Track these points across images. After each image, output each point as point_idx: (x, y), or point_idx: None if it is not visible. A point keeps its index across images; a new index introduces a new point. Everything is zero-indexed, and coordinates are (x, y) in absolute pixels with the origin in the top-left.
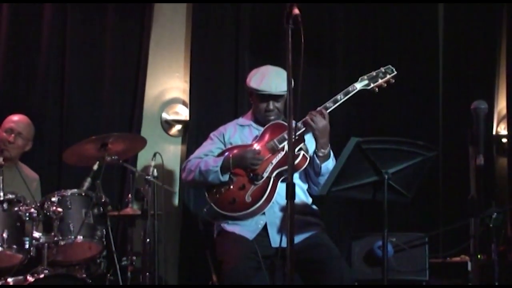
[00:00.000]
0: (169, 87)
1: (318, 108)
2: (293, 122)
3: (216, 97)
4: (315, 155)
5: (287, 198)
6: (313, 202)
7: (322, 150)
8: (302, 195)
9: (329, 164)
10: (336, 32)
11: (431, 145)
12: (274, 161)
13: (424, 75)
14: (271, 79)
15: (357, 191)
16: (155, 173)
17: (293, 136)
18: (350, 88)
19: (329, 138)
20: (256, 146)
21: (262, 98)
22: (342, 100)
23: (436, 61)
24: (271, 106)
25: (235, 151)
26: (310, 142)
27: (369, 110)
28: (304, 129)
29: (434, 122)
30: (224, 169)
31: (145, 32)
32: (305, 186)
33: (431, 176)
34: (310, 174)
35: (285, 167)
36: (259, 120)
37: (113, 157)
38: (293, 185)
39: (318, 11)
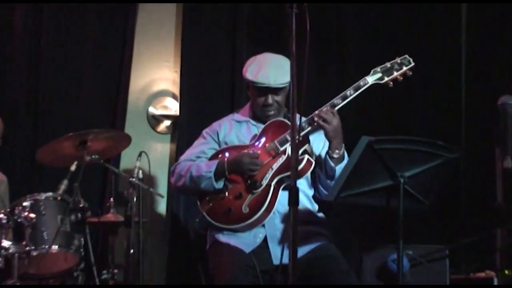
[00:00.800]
0: (157, 78)
1: (324, 106)
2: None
3: (210, 89)
4: (328, 157)
5: (289, 204)
6: (319, 210)
7: (337, 151)
8: (306, 202)
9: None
10: (345, 21)
11: (453, 146)
12: (275, 166)
13: (445, 68)
14: (269, 70)
15: (368, 197)
16: (141, 175)
17: (297, 137)
18: (361, 83)
19: (342, 136)
20: (255, 148)
21: (259, 91)
22: (352, 96)
23: (458, 54)
24: (270, 100)
25: (230, 153)
26: (315, 143)
27: (382, 107)
28: (309, 129)
29: (455, 120)
30: (218, 175)
31: (130, 16)
32: (310, 192)
33: (453, 180)
34: (321, 178)
35: (287, 173)
36: (258, 115)
37: (93, 156)
38: (297, 190)
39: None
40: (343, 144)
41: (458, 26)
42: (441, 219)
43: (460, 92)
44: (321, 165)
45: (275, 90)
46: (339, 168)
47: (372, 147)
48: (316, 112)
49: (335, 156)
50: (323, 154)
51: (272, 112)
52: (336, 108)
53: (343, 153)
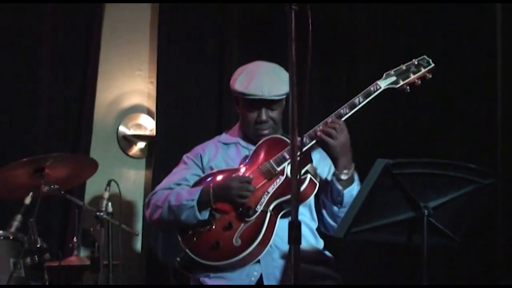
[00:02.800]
0: (128, 91)
1: (329, 117)
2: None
3: (193, 104)
4: (334, 179)
5: (290, 242)
6: (325, 247)
7: (345, 172)
8: (310, 237)
9: (354, 191)
10: (356, 20)
11: (487, 170)
12: (271, 189)
13: (476, 75)
14: (263, 79)
15: (385, 232)
16: (110, 209)
17: (301, 154)
18: (372, 88)
19: (351, 154)
20: (246, 170)
21: (251, 105)
22: (361, 104)
23: (493, 59)
24: (263, 117)
25: (217, 178)
26: (320, 165)
27: (401, 123)
28: (311, 143)
29: (490, 138)
30: (202, 203)
31: (95, 18)
32: (314, 225)
33: (488, 211)
34: (327, 204)
35: (287, 197)
36: (249, 136)
37: (52, 186)
38: (299, 223)
39: None
40: (353, 164)
41: (492, 28)
42: (474, 258)
43: (495, 103)
44: (327, 190)
45: (269, 104)
46: (347, 192)
47: (390, 172)
48: (319, 126)
49: (343, 177)
50: (330, 177)
51: (266, 131)
52: (344, 118)
53: (353, 174)
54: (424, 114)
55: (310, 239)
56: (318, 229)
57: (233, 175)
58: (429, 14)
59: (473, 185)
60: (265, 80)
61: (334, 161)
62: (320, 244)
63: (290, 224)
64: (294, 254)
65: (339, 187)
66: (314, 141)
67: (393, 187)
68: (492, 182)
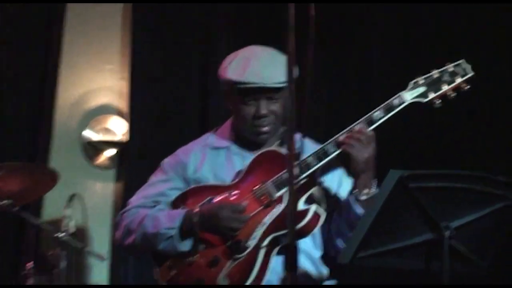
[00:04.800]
0: (95, 88)
1: (356, 123)
2: (300, 143)
3: (173, 104)
4: (352, 200)
5: (285, 269)
6: (331, 275)
7: (366, 191)
8: (310, 267)
9: None
10: (372, 15)
11: None
12: (268, 220)
13: (507, 79)
14: (261, 64)
15: (399, 257)
16: (72, 229)
17: (300, 176)
18: (395, 101)
19: (375, 170)
20: (239, 193)
21: (247, 97)
22: (380, 121)
23: None
24: (263, 110)
25: (203, 197)
26: (326, 179)
27: (418, 126)
28: (319, 165)
29: None
30: (185, 231)
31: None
32: (317, 253)
33: None
34: (340, 228)
35: (285, 231)
36: (244, 136)
37: (4, 201)
38: (295, 249)
39: None
40: (375, 181)
41: None
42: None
43: None
44: (340, 211)
45: (270, 94)
46: None
47: (405, 186)
48: (342, 134)
49: (363, 198)
50: (341, 194)
51: (266, 128)
52: (371, 128)
53: (374, 194)
54: (445, 117)
55: (310, 269)
56: (325, 256)
57: (222, 196)
58: (453, 12)
59: (503, 201)
60: (264, 64)
61: (355, 178)
62: (323, 273)
63: (285, 248)
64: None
65: (358, 210)
66: (328, 158)
67: (409, 203)
68: None
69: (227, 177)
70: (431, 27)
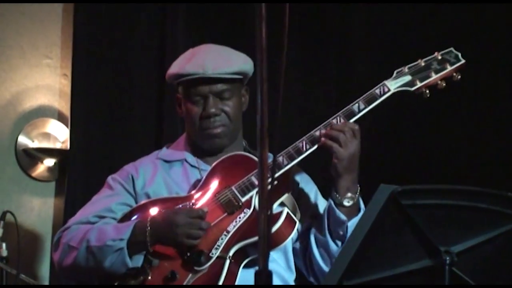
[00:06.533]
0: (31, 86)
1: (335, 117)
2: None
3: (123, 107)
4: (333, 206)
5: None
6: None
7: (349, 195)
8: None
9: None
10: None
11: None
12: (232, 227)
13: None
14: (206, 55)
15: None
16: (4, 252)
17: (271, 178)
18: (377, 91)
19: (358, 172)
20: (197, 199)
21: (192, 93)
22: (362, 113)
23: None
24: (211, 108)
25: (155, 209)
26: (303, 186)
27: (413, 132)
28: (291, 164)
29: None
30: (135, 244)
31: None
32: (291, 276)
33: None
34: (321, 244)
35: (253, 240)
36: (198, 144)
37: None
38: (269, 273)
39: None
40: (358, 186)
41: None
42: None
43: None
44: (321, 222)
45: (217, 86)
46: (353, 225)
47: (397, 203)
48: (320, 129)
49: (346, 203)
50: (320, 207)
51: (218, 130)
52: (353, 120)
53: (358, 200)
54: (445, 123)
55: None
56: (298, 280)
57: (179, 205)
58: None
59: None
60: (208, 55)
61: (336, 179)
62: None
63: (257, 274)
64: None
65: (342, 216)
66: (294, 162)
67: (402, 224)
68: None
69: (183, 191)
70: (413, 25)
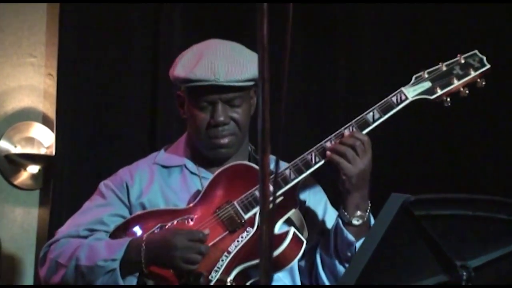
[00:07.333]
0: (14, 87)
1: (346, 127)
2: (273, 159)
3: (113, 109)
4: (341, 225)
5: None
6: None
7: (359, 213)
8: None
9: None
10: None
11: None
12: (233, 248)
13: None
14: (216, 58)
15: None
16: None
17: (275, 195)
18: (394, 98)
19: (369, 187)
20: (196, 215)
21: (199, 99)
22: (377, 123)
23: None
24: (220, 116)
25: (152, 225)
26: (310, 197)
27: (428, 138)
28: (299, 178)
29: None
30: (129, 265)
31: None
32: None
33: None
34: (328, 265)
35: (255, 262)
36: (200, 152)
37: None
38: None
39: None
40: (369, 203)
41: None
42: None
43: None
44: (327, 242)
45: (228, 96)
46: None
47: (410, 213)
48: (330, 140)
49: (355, 222)
50: (328, 223)
51: (226, 140)
52: (367, 130)
53: (369, 218)
54: (463, 129)
55: None
56: None
57: (177, 219)
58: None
59: None
60: (219, 58)
61: (344, 196)
62: None
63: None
64: None
65: (350, 237)
66: (302, 176)
67: (415, 236)
68: None
69: (182, 202)
70: (428, 25)
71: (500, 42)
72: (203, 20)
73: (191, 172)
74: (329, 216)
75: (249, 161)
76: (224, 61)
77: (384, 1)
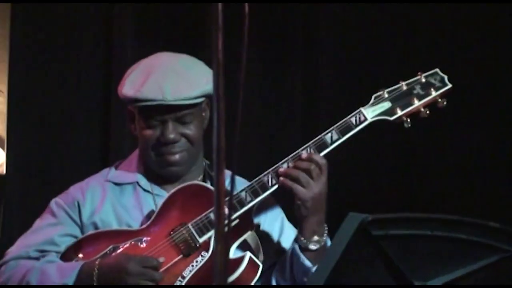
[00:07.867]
0: None
1: (302, 149)
2: (229, 174)
3: (65, 126)
4: (298, 250)
5: None
6: None
7: (315, 238)
8: None
9: None
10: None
11: None
12: (188, 273)
13: (500, 95)
14: (164, 75)
15: None
16: None
17: (230, 218)
18: (353, 119)
19: (325, 211)
20: (149, 237)
21: (149, 118)
22: (335, 144)
23: None
24: (170, 134)
25: (104, 247)
26: (266, 224)
27: (389, 156)
28: (254, 201)
29: None
30: None
31: None
32: None
33: None
34: None
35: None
36: (153, 169)
37: None
38: None
39: None
40: (326, 226)
41: None
42: None
43: None
44: (283, 267)
45: (179, 114)
46: None
47: (368, 233)
48: (287, 162)
49: (312, 247)
50: (284, 245)
51: (177, 157)
52: (325, 152)
53: (326, 242)
54: (423, 146)
55: None
56: None
57: (130, 241)
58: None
59: (497, 254)
60: (168, 75)
61: (300, 221)
62: None
63: None
64: None
65: (307, 262)
66: (257, 200)
67: (373, 257)
68: None
69: (135, 221)
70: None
71: (456, 63)
72: (157, 31)
73: (144, 190)
74: (286, 235)
75: (204, 177)
76: (172, 78)
77: (344, 15)
